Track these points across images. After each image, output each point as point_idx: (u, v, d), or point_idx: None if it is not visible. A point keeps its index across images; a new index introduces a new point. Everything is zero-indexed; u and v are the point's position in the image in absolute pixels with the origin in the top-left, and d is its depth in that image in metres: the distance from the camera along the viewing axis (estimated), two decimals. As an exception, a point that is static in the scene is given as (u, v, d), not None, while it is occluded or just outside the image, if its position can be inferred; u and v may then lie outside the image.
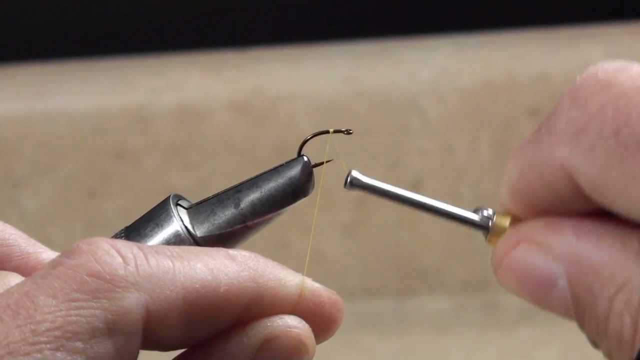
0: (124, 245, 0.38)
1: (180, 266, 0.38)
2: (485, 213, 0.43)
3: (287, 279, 0.41)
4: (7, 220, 1.17)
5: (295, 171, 0.43)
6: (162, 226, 0.43)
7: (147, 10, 1.13)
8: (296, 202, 0.43)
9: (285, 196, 0.42)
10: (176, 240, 0.42)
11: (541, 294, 0.39)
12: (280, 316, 0.40)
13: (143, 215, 0.43)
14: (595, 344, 0.37)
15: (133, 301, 0.37)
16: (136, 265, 0.38)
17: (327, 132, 0.44)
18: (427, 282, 1.07)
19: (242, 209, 0.42)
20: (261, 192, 0.42)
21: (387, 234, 1.06)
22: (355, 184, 0.43)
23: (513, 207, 0.43)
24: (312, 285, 0.42)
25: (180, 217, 0.43)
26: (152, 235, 0.42)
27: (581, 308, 0.37)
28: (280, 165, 0.43)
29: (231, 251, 0.40)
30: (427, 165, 1.05)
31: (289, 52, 1.09)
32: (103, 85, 1.07)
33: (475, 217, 0.42)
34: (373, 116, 1.05)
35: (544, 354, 1.01)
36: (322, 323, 0.42)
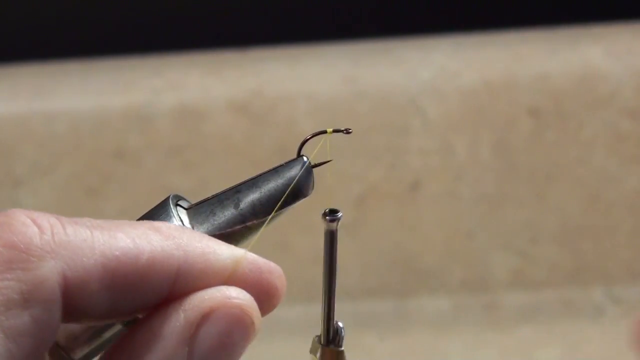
0: (40, 215, 0.38)
1: (99, 235, 0.37)
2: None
3: (219, 248, 0.40)
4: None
5: (295, 171, 0.42)
6: (161, 226, 0.43)
7: (147, 10, 1.13)
8: (296, 202, 0.43)
9: (285, 196, 0.42)
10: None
11: None
12: (218, 288, 0.39)
13: (143, 215, 0.43)
14: None
15: (49, 270, 0.36)
16: (52, 233, 0.37)
17: (326, 132, 0.44)
18: (427, 282, 1.07)
19: (241, 210, 0.42)
20: (261, 192, 0.42)
21: (387, 234, 1.06)
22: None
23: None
24: (247, 254, 0.41)
25: (180, 218, 0.43)
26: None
27: None
28: (280, 166, 0.43)
29: (156, 223, 0.40)
30: (426, 165, 1.05)
31: (289, 52, 1.09)
32: (103, 85, 1.07)
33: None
34: (373, 116, 1.05)
35: (544, 354, 1.01)
36: (263, 292, 0.41)
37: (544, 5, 1.14)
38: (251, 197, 0.42)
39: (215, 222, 0.42)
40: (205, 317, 0.38)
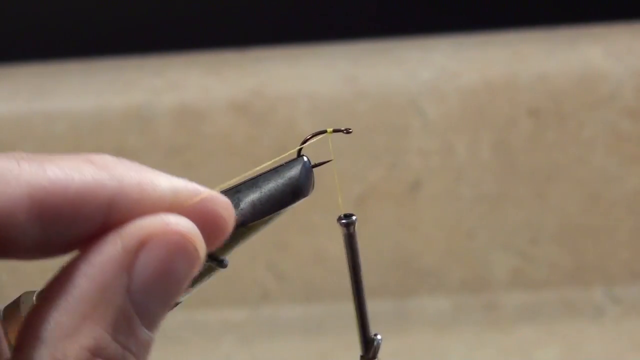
0: None
1: (26, 166, 0.36)
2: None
3: (157, 179, 0.39)
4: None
5: (295, 171, 0.42)
6: (162, 226, 0.43)
7: (147, 10, 1.13)
8: (296, 202, 0.43)
9: (285, 196, 0.42)
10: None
11: None
12: (157, 215, 0.37)
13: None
14: None
15: None
16: None
17: (326, 132, 0.44)
18: (427, 282, 1.07)
19: (241, 210, 0.42)
20: (261, 192, 0.42)
21: (387, 234, 1.06)
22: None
23: None
24: (188, 184, 0.39)
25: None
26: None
27: None
28: (280, 166, 0.43)
29: (91, 155, 0.38)
30: (427, 165, 1.05)
31: (289, 52, 1.09)
32: (103, 85, 1.07)
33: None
34: (373, 116, 1.05)
35: (544, 354, 1.01)
36: (208, 222, 0.39)
37: (544, 5, 1.14)
38: (251, 197, 0.42)
39: (216, 222, 0.42)
40: (143, 244, 0.37)
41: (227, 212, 0.40)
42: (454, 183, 1.06)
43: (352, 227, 0.44)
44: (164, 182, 0.39)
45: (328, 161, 0.44)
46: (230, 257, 0.44)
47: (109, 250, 0.37)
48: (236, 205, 0.42)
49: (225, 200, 0.40)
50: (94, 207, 0.37)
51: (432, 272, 1.07)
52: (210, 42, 1.11)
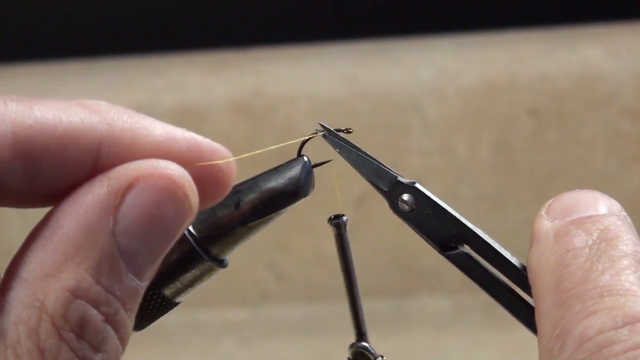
0: None
1: (14, 105, 0.36)
2: None
3: (151, 125, 0.37)
4: (7, 220, 1.18)
5: (295, 171, 0.42)
6: (162, 226, 0.43)
7: (147, 10, 1.13)
8: (296, 202, 0.43)
9: (285, 196, 0.42)
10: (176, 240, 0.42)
11: None
12: (147, 159, 0.36)
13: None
14: None
15: None
16: None
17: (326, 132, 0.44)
18: (427, 282, 1.07)
19: (242, 209, 0.42)
20: (261, 192, 0.42)
21: (387, 234, 1.06)
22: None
23: None
24: (185, 132, 0.38)
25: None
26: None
27: None
28: (280, 166, 0.43)
29: (85, 100, 0.37)
30: (427, 164, 1.05)
31: (289, 52, 1.09)
32: (103, 85, 1.07)
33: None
34: (373, 116, 1.05)
35: (544, 354, 1.01)
36: (204, 173, 0.38)
37: (544, 5, 1.14)
38: (251, 197, 0.42)
39: (216, 222, 0.42)
40: (130, 186, 0.35)
41: (227, 166, 0.39)
42: (454, 183, 1.06)
43: (342, 227, 0.44)
44: (159, 129, 0.38)
45: (328, 161, 0.44)
46: (230, 257, 0.44)
47: (95, 191, 0.35)
48: (236, 205, 0.42)
49: (225, 152, 0.39)
50: (82, 149, 0.36)
51: (432, 272, 1.07)
52: (210, 42, 1.11)
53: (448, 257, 0.43)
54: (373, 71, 1.06)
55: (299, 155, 0.43)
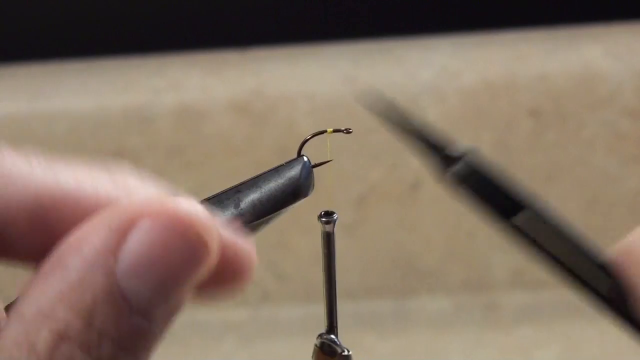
0: None
1: (39, 171, 0.34)
2: None
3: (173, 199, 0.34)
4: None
5: (295, 171, 0.42)
6: (162, 226, 0.43)
7: (147, 10, 1.13)
8: (296, 202, 0.43)
9: (285, 196, 0.42)
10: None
11: None
12: (160, 193, 0.34)
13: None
14: None
15: None
16: None
17: (326, 132, 0.44)
18: (427, 282, 1.07)
19: (241, 210, 0.42)
20: (261, 192, 0.42)
21: (387, 234, 1.06)
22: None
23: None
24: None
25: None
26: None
27: None
28: (280, 166, 0.43)
29: (114, 172, 0.35)
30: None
31: (289, 52, 1.09)
32: (103, 85, 1.07)
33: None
34: (373, 116, 1.05)
35: (544, 354, 1.01)
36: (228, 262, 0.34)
37: (544, 5, 1.14)
38: (251, 197, 0.42)
39: (216, 222, 0.42)
40: (134, 224, 0.32)
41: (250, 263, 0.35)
42: (454, 183, 1.06)
43: (331, 225, 0.44)
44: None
45: (328, 161, 0.44)
46: (230, 257, 0.44)
47: (98, 228, 0.33)
48: (236, 205, 0.42)
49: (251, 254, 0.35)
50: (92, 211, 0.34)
51: (432, 272, 1.07)
52: (210, 42, 1.11)
53: (514, 225, 0.37)
54: (373, 71, 1.06)
55: (299, 155, 0.43)
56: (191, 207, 0.33)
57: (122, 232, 0.33)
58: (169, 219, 0.32)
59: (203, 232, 0.33)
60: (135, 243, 0.32)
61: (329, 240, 0.44)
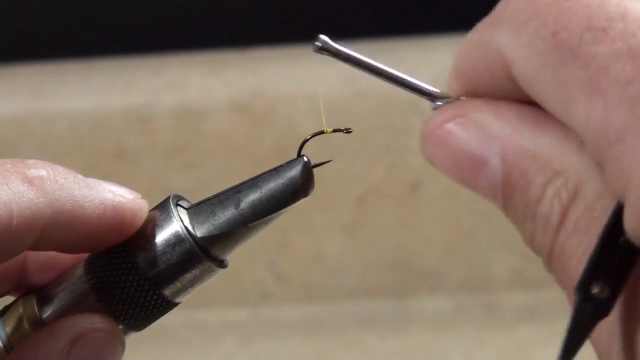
0: None
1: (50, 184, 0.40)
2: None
3: (84, 199, 0.41)
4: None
5: (295, 171, 0.42)
6: (162, 226, 0.43)
7: (147, 10, 1.13)
8: (296, 202, 0.43)
9: (285, 196, 0.42)
10: (176, 240, 0.42)
11: (469, 172, 0.38)
12: (86, 315, 0.42)
13: (143, 216, 0.43)
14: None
15: None
16: None
17: (326, 131, 0.44)
18: (427, 282, 1.07)
19: (242, 209, 0.42)
20: (261, 192, 0.42)
21: (387, 234, 1.06)
22: (323, 48, 0.43)
23: (456, 88, 0.41)
24: (114, 199, 0.43)
25: (180, 218, 0.43)
26: (152, 235, 0.43)
27: (511, 189, 0.36)
28: (280, 166, 0.43)
29: (30, 172, 0.40)
30: (427, 165, 1.05)
31: (289, 52, 1.09)
32: (103, 85, 1.07)
33: (430, 88, 0.42)
34: (373, 116, 1.05)
35: (544, 354, 1.01)
36: (122, 229, 0.43)
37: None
38: (251, 197, 0.42)
39: (216, 222, 0.42)
40: (74, 343, 0.41)
41: (139, 217, 0.43)
42: (454, 183, 1.06)
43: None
44: (92, 201, 0.42)
45: (328, 161, 0.44)
46: (230, 257, 0.44)
47: (44, 350, 0.41)
48: (236, 205, 0.42)
49: (140, 207, 0.43)
50: (30, 235, 0.39)
51: (432, 272, 1.07)
52: (210, 42, 1.11)
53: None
54: (373, 71, 1.06)
55: (299, 155, 0.43)
56: (107, 324, 0.43)
57: (66, 351, 0.42)
58: (99, 335, 0.42)
59: (120, 337, 0.43)
60: (79, 358, 0.42)
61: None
